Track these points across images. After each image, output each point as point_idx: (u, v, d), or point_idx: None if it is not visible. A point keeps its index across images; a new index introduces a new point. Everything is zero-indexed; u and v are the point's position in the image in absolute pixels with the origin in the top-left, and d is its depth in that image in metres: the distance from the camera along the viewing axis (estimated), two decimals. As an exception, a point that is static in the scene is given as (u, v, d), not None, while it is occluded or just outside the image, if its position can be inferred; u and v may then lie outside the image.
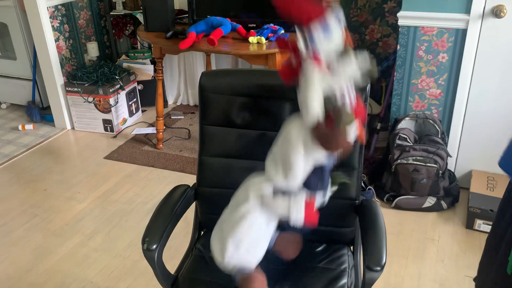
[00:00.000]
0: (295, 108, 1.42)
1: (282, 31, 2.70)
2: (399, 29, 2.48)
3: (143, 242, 1.21)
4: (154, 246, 1.20)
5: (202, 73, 1.46)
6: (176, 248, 2.20)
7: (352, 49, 1.14)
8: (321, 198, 1.24)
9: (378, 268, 1.15)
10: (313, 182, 1.20)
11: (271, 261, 1.44)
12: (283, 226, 1.31)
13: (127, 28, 3.99)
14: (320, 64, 1.12)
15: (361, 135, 1.20)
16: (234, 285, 1.27)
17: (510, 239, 1.03)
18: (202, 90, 1.44)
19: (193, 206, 1.54)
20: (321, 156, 1.18)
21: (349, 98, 1.13)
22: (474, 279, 1.28)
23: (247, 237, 1.21)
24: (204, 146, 1.48)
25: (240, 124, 1.44)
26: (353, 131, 1.14)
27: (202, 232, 1.58)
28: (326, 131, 1.11)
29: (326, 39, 1.11)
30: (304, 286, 1.33)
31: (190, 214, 1.54)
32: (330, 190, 1.27)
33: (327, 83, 1.11)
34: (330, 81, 1.12)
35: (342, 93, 1.12)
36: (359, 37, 3.27)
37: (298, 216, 1.18)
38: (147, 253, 1.20)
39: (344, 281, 1.36)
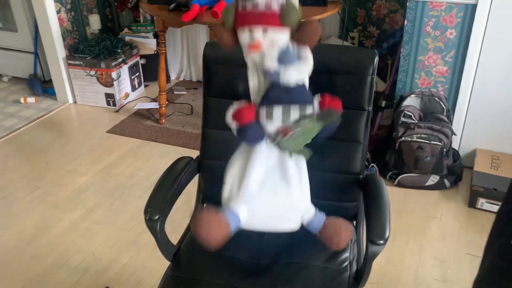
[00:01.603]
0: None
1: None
2: (407, 4, 2.43)
3: (146, 212, 1.20)
4: (157, 217, 1.19)
5: (207, 43, 1.43)
6: (177, 223, 2.20)
7: None
8: (276, 117, 1.21)
9: (381, 242, 1.14)
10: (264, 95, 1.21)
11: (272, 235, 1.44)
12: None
13: (130, 0, 3.92)
14: None
15: (256, 45, 1.18)
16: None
17: None
18: (206, 61, 1.41)
19: (195, 180, 1.53)
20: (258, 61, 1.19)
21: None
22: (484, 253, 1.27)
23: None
24: (208, 118, 1.46)
25: (245, 96, 1.41)
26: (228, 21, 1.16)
27: (205, 205, 1.57)
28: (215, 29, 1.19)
29: None
30: (306, 258, 1.32)
31: (191, 190, 1.52)
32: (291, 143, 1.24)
33: None
34: None
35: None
36: (366, 12, 3.21)
37: (227, 115, 1.23)
38: (150, 223, 1.20)
39: (346, 254, 1.36)
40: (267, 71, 1.19)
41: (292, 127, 1.22)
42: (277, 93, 1.20)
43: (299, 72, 1.21)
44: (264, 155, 1.24)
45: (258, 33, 1.15)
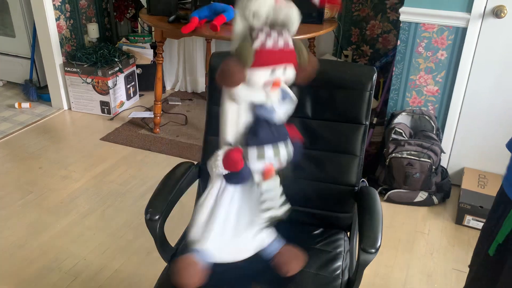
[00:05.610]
0: (302, 91, 1.45)
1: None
2: (400, 25, 2.51)
3: (146, 212, 1.23)
4: (157, 217, 1.22)
5: (213, 53, 1.48)
6: (171, 230, 2.22)
7: None
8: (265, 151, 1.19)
9: (373, 250, 1.18)
10: (248, 134, 1.20)
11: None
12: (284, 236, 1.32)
13: (129, 11, 3.98)
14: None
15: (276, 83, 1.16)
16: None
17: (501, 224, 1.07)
18: (212, 71, 1.46)
19: (193, 188, 1.56)
20: (244, 98, 1.17)
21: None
22: (470, 266, 1.33)
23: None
24: (211, 125, 1.50)
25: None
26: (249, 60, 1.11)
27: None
28: (223, 66, 1.12)
29: None
30: (300, 266, 1.35)
31: (185, 198, 1.54)
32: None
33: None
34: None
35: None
36: (360, 32, 3.30)
37: (216, 163, 1.19)
38: (150, 223, 1.23)
39: (339, 263, 1.39)
40: (262, 107, 1.18)
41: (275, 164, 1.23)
42: (268, 132, 1.19)
43: (290, 109, 1.24)
44: (231, 197, 1.25)
45: (280, 71, 1.14)
